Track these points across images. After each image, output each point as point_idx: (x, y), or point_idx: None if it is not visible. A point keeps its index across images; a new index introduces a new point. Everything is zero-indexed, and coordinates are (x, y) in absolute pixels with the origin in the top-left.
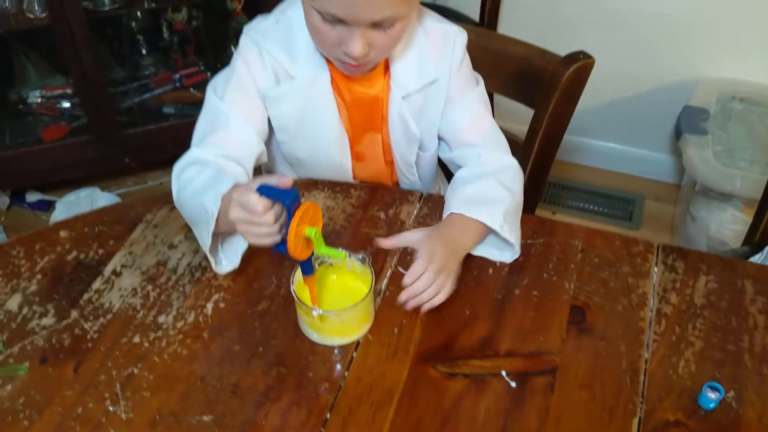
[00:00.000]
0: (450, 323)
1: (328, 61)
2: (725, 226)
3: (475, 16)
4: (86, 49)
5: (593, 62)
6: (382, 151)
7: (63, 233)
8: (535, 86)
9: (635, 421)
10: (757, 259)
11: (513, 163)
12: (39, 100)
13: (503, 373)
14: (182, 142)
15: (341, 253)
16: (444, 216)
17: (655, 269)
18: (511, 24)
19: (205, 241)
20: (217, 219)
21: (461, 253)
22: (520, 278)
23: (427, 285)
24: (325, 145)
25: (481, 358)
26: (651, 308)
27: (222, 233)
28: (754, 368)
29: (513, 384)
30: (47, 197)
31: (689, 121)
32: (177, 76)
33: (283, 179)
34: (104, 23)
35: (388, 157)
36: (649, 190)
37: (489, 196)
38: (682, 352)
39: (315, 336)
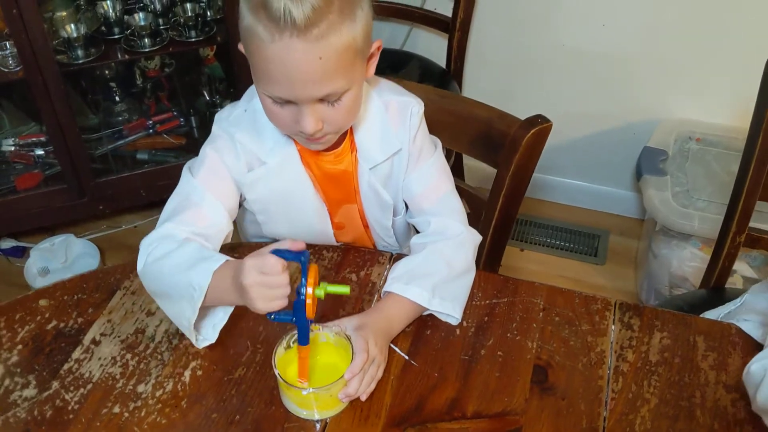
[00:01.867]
0: (419, 386)
1: (295, 141)
2: (686, 263)
3: (442, 61)
4: (60, 101)
5: (551, 126)
6: (360, 220)
7: (43, 302)
8: (496, 148)
9: None
10: (726, 309)
11: (461, 231)
12: (12, 148)
13: None
14: (156, 188)
15: (346, 288)
16: (383, 290)
17: (613, 327)
18: (476, 68)
19: (187, 315)
20: (208, 294)
21: (392, 336)
22: (485, 338)
23: (364, 382)
24: (305, 220)
25: (449, 420)
26: (609, 366)
27: (205, 307)
28: (705, 423)
29: None
30: (21, 244)
31: (649, 163)
32: (150, 122)
33: (297, 242)
34: (78, 74)
35: (365, 223)
36: (614, 225)
37: (423, 270)
38: (639, 410)
39: (303, 413)
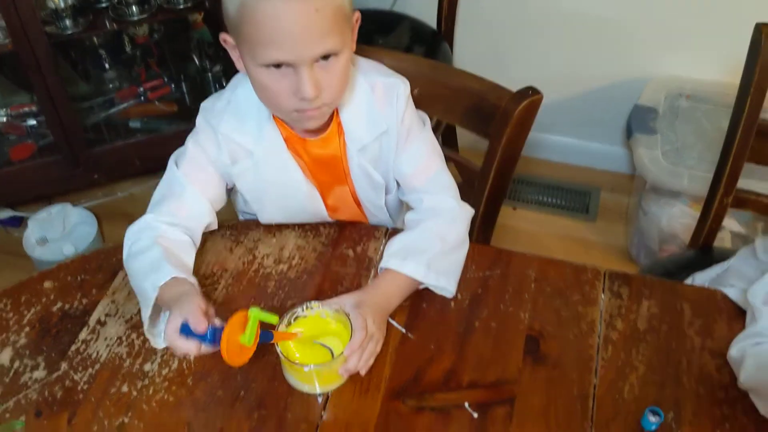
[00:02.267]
0: (417, 358)
1: (281, 129)
2: (675, 220)
3: (432, 22)
4: (51, 72)
5: (541, 97)
6: (353, 200)
7: (47, 284)
8: (488, 120)
9: None
10: (713, 273)
11: (453, 206)
12: (4, 119)
13: (466, 404)
14: (149, 157)
15: (274, 316)
16: (379, 266)
17: (602, 296)
18: (467, 29)
19: (144, 316)
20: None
21: (389, 311)
22: (479, 310)
23: (363, 357)
24: (298, 205)
25: (446, 390)
26: (599, 335)
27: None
28: (691, 389)
29: (475, 415)
30: (18, 213)
31: (639, 121)
32: (141, 89)
33: (199, 325)
34: (67, 44)
35: (358, 203)
36: (605, 181)
37: (418, 246)
38: (627, 377)
39: (305, 388)
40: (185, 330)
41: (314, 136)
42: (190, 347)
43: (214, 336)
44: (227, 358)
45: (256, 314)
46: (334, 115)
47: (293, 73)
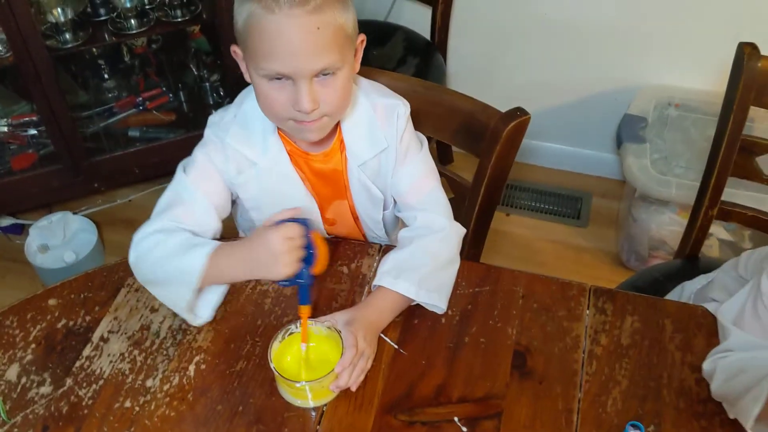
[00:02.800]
0: (409, 373)
1: (284, 143)
2: (664, 227)
3: (426, 33)
4: (51, 85)
5: (529, 118)
6: (350, 214)
7: (52, 301)
8: (478, 138)
9: None
10: (699, 284)
11: (445, 225)
12: (6, 129)
13: (456, 419)
14: (149, 166)
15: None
16: (373, 283)
17: (587, 312)
18: (460, 39)
19: (185, 297)
20: (206, 277)
21: (381, 329)
22: (469, 326)
23: (354, 374)
24: None
25: (436, 405)
26: (584, 350)
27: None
28: (671, 402)
29: (464, 429)
30: (20, 221)
31: (628, 130)
32: (140, 99)
33: (294, 209)
34: (67, 57)
35: (355, 217)
36: (596, 187)
37: (410, 264)
38: (610, 391)
39: (298, 402)
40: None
41: (317, 150)
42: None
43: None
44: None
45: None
46: (337, 131)
47: (292, 86)
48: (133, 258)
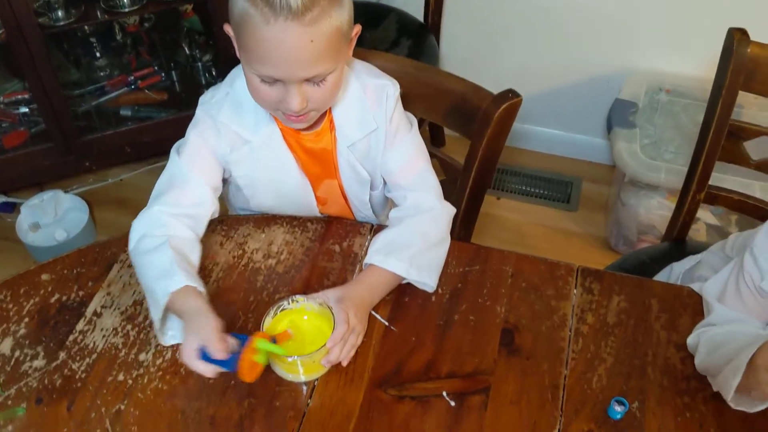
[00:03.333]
0: (399, 350)
1: (277, 121)
2: (653, 212)
3: (419, 15)
4: (43, 63)
5: (521, 100)
6: (341, 194)
7: (45, 276)
8: (470, 120)
9: None
10: (689, 264)
11: (435, 204)
12: None
13: (444, 393)
14: (140, 145)
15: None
16: (364, 261)
17: (575, 291)
18: (454, 22)
19: (155, 316)
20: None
21: (372, 306)
22: (459, 304)
23: (345, 349)
24: (290, 195)
25: (425, 380)
26: (570, 328)
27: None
28: (655, 380)
29: (452, 403)
30: (11, 199)
31: (619, 115)
32: (132, 78)
33: (219, 353)
34: (59, 35)
35: (345, 197)
36: (586, 172)
37: (400, 243)
38: (596, 368)
39: (290, 377)
40: (204, 356)
41: (308, 130)
42: (208, 370)
43: (234, 363)
44: (246, 376)
45: (264, 345)
46: (327, 112)
47: (282, 86)
48: (130, 248)
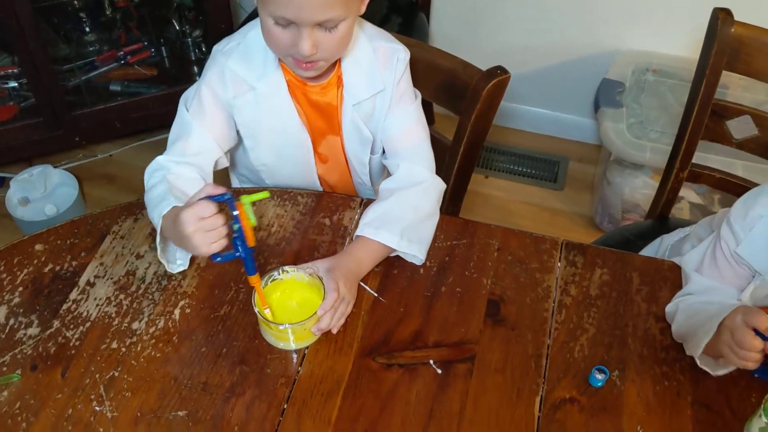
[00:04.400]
0: (387, 320)
1: (284, 71)
2: (638, 190)
3: None
4: (33, 38)
5: (509, 77)
6: (342, 153)
7: (38, 246)
8: (459, 96)
9: (537, 399)
10: (677, 236)
11: (427, 177)
12: None
13: (431, 361)
14: (130, 120)
15: (264, 193)
16: (354, 234)
17: (559, 264)
18: (444, 0)
19: (157, 246)
20: (163, 233)
21: (360, 276)
22: (446, 276)
23: (335, 317)
24: (290, 149)
25: (413, 349)
26: (554, 300)
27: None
28: (635, 350)
29: (439, 371)
30: (0, 174)
31: (606, 95)
32: (121, 53)
33: (217, 188)
34: (50, 9)
35: (346, 158)
36: (573, 151)
37: (392, 215)
38: (578, 338)
39: (280, 344)
40: (215, 257)
41: (315, 81)
42: (211, 206)
43: (241, 235)
44: (252, 241)
45: (247, 198)
46: (336, 66)
47: (296, 29)
48: (146, 193)
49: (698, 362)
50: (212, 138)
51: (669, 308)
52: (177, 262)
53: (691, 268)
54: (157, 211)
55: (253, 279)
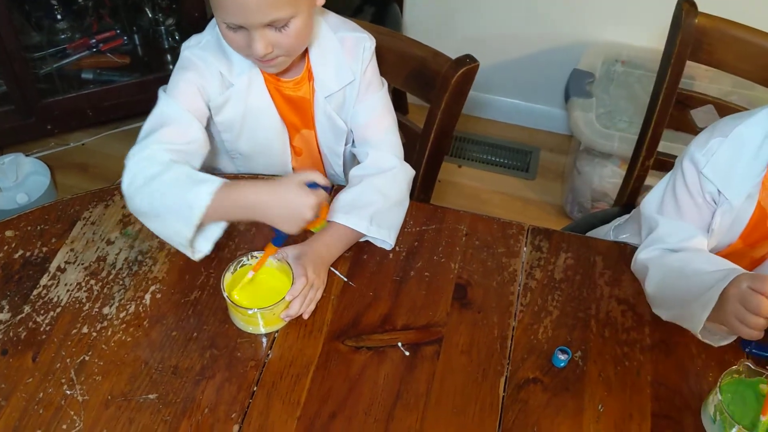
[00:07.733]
0: (357, 304)
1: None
2: (606, 179)
3: None
4: (5, 24)
5: (478, 65)
6: (316, 146)
7: (8, 233)
8: (429, 85)
9: (502, 379)
10: (617, 223)
11: (396, 164)
12: None
13: (399, 344)
14: (102, 109)
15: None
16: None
17: (525, 249)
18: None
19: (184, 232)
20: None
21: (330, 262)
22: (415, 261)
23: (303, 303)
24: (267, 142)
25: (381, 332)
26: (519, 283)
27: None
28: (598, 332)
29: (407, 353)
30: None
31: (576, 85)
32: (94, 41)
33: (326, 179)
34: None
35: (320, 150)
36: (544, 141)
37: (361, 201)
38: (542, 320)
39: (250, 329)
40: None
41: (287, 76)
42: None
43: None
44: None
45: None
46: (306, 60)
47: (246, 32)
48: (125, 185)
49: (699, 336)
50: (201, 126)
51: (641, 256)
52: (202, 249)
53: (652, 210)
54: (194, 193)
55: (272, 249)
